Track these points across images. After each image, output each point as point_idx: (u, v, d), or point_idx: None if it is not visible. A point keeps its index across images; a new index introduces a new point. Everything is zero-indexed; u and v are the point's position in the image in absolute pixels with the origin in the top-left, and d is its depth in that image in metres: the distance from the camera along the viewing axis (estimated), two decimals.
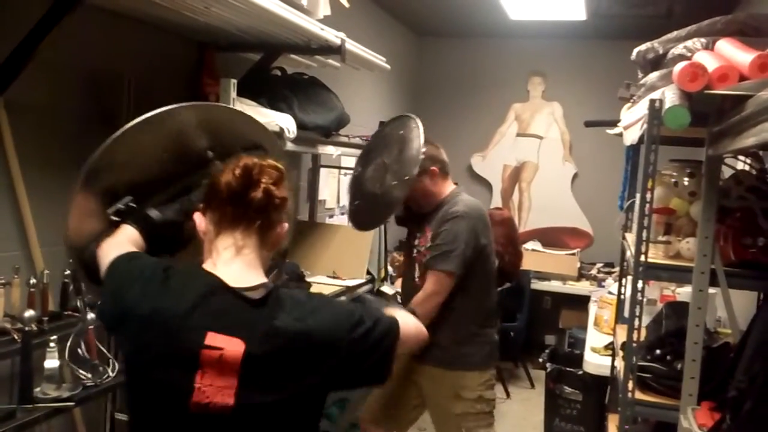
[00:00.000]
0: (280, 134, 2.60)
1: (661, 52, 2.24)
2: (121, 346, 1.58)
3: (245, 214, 1.38)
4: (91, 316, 2.05)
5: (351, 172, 4.45)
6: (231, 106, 2.32)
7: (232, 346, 1.30)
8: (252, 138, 1.75)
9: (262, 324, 1.32)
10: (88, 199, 1.59)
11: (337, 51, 2.77)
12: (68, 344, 1.97)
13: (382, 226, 4.00)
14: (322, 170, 4.07)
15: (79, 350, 2.00)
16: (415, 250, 2.82)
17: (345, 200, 4.52)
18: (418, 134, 2.65)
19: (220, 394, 1.29)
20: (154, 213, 1.60)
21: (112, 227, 1.57)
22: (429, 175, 2.75)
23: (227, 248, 1.38)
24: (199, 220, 1.45)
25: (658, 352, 2.34)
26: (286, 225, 1.46)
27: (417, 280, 2.77)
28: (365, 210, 2.82)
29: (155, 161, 1.64)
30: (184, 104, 1.63)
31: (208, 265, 1.40)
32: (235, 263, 1.38)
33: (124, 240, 1.53)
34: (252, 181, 1.37)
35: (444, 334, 2.65)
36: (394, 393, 2.87)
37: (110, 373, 1.98)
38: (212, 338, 1.30)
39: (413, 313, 1.64)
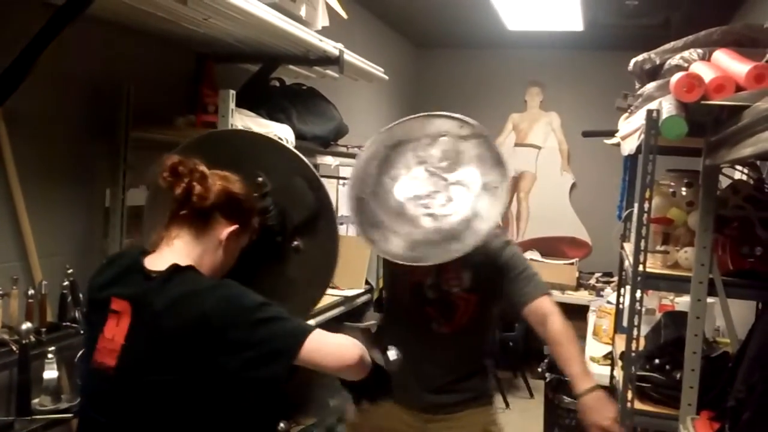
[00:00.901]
0: None
1: (658, 62, 2.25)
2: None
3: (175, 208, 1.50)
4: None
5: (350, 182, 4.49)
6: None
7: (126, 311, 1.42)
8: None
9: (152, 295, 1.40)
10: (157, 210, 1.69)
11: (335, 62, 2.79)
12: (79, 353, 1.97)
13: None
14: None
15: None
16: (432, 294, 2.27)
17: (343, 210, 4.52)
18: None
19: (109, 356, 1.41)
20: None
21: None
22: None
23: (165, 239, 1.51)
24: None
25: (657, 361, 2.33)
26: (234, 227, 1.53)
27: (444, 327, 2.27)
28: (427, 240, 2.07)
29: None
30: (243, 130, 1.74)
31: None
32: (164, 252, 1.49)
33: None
34: (177, 177, 1.48)
35: (478, 376, 2.36)
36: None
37: None
38: (115, 302, 1.44)
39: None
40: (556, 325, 2.14)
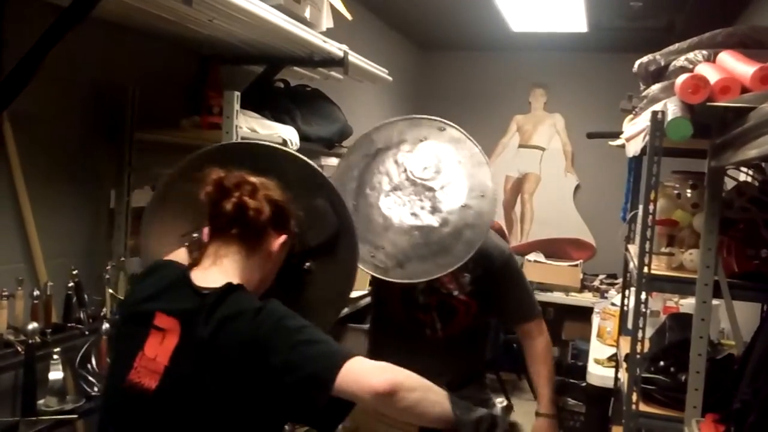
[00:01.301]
0: (283, 146, 2.62)
1: (662, 64, 2.25)
2: None
3: (221, 225, 1.43)
4: (105, 326, 2.05)
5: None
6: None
7: (174, 330, 1.33)
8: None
9: (203, 314, 1.32)
10: (166, 219, 1.65)
11: (339, 63, 2.79)
12: (80, 354, 1.97)
13: None
14: None
15: (90, 363, 2.01)
16: (424, 299, 2.20)
17: None
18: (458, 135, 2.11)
19: (149, 377, 1.32)
20: None
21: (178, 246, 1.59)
22: None
23: (208, 256, 1.44)
24: (206, 230, 1.48)
25: (661, 363, 2.33)
26: (284, 237, 1.47)
27: (440, 331, 2.21)
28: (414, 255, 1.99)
29: None
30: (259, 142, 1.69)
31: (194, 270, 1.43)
32: (211, 270, 1.41)
33: (174, 256, 1.56)
34: (225, 193, 1.41)
35: (476, 385, 2.30)
36: None
37: None
38: (161, 318, 1.35)
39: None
40: (540, 346, 2.29)
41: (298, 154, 1.71)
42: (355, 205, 2.04)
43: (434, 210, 2.01)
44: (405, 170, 2.08)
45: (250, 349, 1.28)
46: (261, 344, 1.28)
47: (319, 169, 1.66)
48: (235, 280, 1.38)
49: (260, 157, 1.63)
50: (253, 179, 1.44)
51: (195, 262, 1.45)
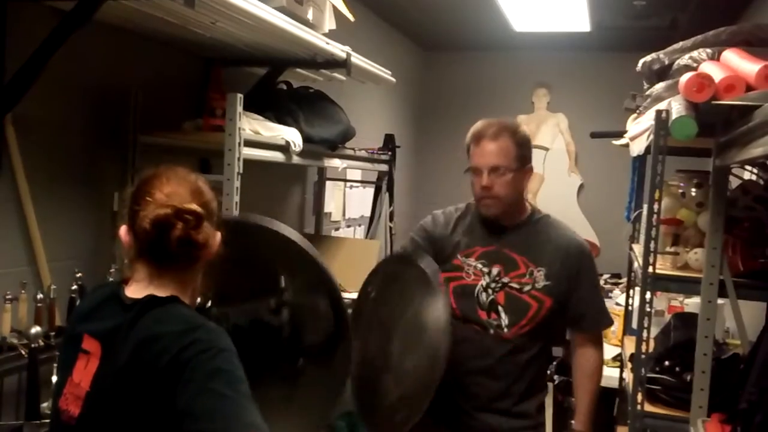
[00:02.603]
0: (286, 147, 2.62)
1: (666, 62, 2.24)
2: None
3: (163, 256, 1.31)
4: None
5: (357, 185, 4.49)
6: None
7: (96, 352, 1.27)
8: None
9: (123, 333, 1.24)
10: None
11: (342, 65, 2.78)
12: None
13: (389, 239, 4.00)
14: (328, 183, 4.07)
15: None
16: (497, 287, 2.08)
17: (350, 213, 4.53)
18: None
19: (73, 403, 1.27)
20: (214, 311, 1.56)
21: None
22: (528, 173, 2.15)
23: (143, 277, 1.33)
24: (124, 234, 1.37)
25: (666, 363, 2.32)
26: (218, 236, 1.36)
27: (506, 330, 2.08)
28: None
29: (237, 268, 1.54)
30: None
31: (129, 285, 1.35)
32: (147, 281, 1.33)
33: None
34: (166, 229, 1.28)
35: (536, 399, 2.17)
36: None
37: None
38: (87, 341, 1.30)
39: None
40: (595, 360, 2.19)
41: (309, 250, 1.63)
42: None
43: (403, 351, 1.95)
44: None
45: (162, 379, 1.19)
46: (175, 373, 1.18)
47: (328, 270, 1.59)
48: (166, 292, 1.29)
49: (270, 242, 1.56)
50: (195, 208, 1.30)
51: (130, 276, 1.36)
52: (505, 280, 2.09)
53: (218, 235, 1.37)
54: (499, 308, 2.09)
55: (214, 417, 1.13)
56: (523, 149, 2.11)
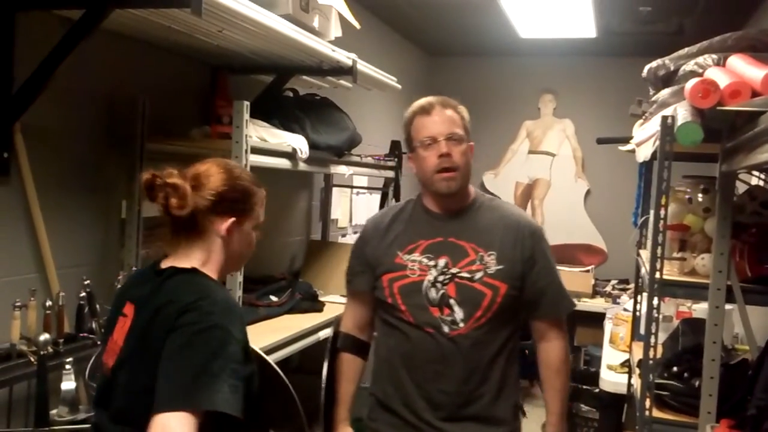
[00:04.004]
0: (293, 154, 2.63)
1: (672, 68, 2.24)
2: None
3: (173, 226, 1.50)
4: None
5: (363, 191, 4.50)
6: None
7: (131, 313, 1.46)
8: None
9: (152, 297, 1.42)
10: None
11: (348, 72, 2.80)
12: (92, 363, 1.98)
13: None
14: (335, 190, 4.08)
15: None
16: (446, 280, 1.88)
17: (357, 219, 4.54)
18: None
19: (111, 357, 1.46)
20: None
21: None
22: (472, 148, 1.99)
23: (173, 250, 1.52)
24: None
25: (675, 369, 2.31)
26: (231, 220, 1.50)
27: (461, 324, 1.87)
28: None
29: None
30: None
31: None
32: (177, 255, 1.50)
33: None
34: (151, 197, 1.48)
35: (508, 402, 1.97)
36: None
37: None
38: (126, 306, 1.48)
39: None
40: (557, 352, 2.01)
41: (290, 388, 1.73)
42: None
43: None
44: None
45: (164, 340, 1.34)
46: (167, 338, 1.34)
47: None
48: (188, 264, 1.46)
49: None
50: (176, 180, 1.45)
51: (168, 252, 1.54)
52: (454, 270, 1.87)
53: (230, 220, 1.49)
54: (451, 302, 1.87)
55: (170, 382, 1.29)
56: (467, 122, 2.05)
